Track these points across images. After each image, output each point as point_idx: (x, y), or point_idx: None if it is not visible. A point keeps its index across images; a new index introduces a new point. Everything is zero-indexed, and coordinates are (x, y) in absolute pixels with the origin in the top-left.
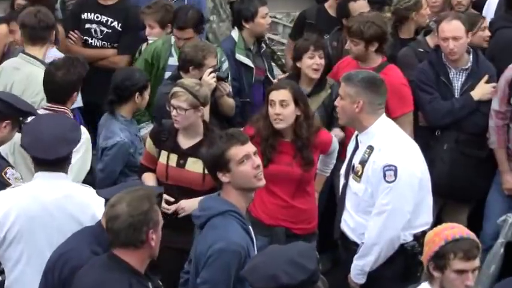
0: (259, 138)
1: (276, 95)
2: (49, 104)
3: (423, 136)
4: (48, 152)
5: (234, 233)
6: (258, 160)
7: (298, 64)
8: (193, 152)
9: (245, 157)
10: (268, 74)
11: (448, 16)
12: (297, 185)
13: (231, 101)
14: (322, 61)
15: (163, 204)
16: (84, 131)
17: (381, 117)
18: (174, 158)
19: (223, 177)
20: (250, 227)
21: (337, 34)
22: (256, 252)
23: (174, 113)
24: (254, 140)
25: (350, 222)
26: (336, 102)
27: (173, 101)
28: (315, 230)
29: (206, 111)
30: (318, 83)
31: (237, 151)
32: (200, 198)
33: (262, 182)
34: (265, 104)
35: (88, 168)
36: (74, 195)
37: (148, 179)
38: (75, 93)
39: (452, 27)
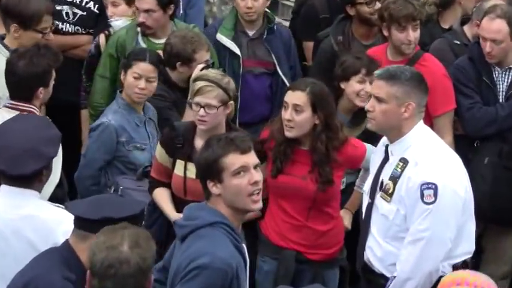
0: (272, 142)
1: (290, 97)
2: (13, 102)
3: (459, 147)
4: (11, 166)
5: (222, 248)
6: (258, 176)
7: (342, 85)
8: None
9: (242, 168)
10: (278, 68)
11: (494, 11)
12: (311, 203)
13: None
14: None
15: None
16: None
17: (419, 122)
18: (192, 168)
19: (214, 188)
20: (244, 245)
21: (342, 25)
22: (247, 275)
23: (202, 112)
24: (267, 144)
25: (377, 251)
26: (369, 106)
27: (199, 99)
28: (336, 256)
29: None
30: (359, 110)
31: (234, 160)
32: None
33: (258, 205)
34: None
35: (57, 180)
36: (36, 217)
37: (162, 196)
38: (41, 88)
39: (494, 28)
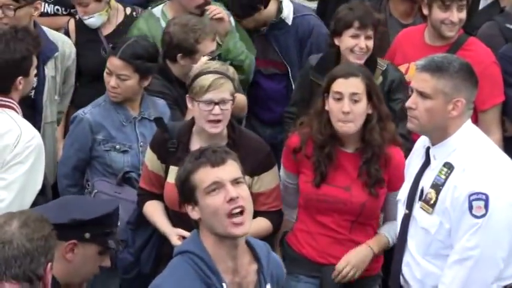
0: (310, 148)
1: (344, 86)
2: None
3: (508, 150)
4: None
5: (172, 282)
6: (235, 191)
7: (336, 41)
8: None
9: (215, 185)
10: (288, 71)
11: None
12: (356, 216)
13: (241, 98)
14: (370, 43)
15: (177, 242)
16: (34, 134)
17: (467, 121)
18: None
19: (193, 213)
20: (224, 284)
21: (378, 2)
22: None
23: (216, 110)
24: (301, 152)
25: (415, 271)
26: (412, 103)
27: (212, 94)
28: (378, 272)
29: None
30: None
31: (203, 176)
32: None
33: (241, 229)
34: (321, 98)
35: (38, 187)
36: None
37: (155, 210)
38: (20, 78)
39: None
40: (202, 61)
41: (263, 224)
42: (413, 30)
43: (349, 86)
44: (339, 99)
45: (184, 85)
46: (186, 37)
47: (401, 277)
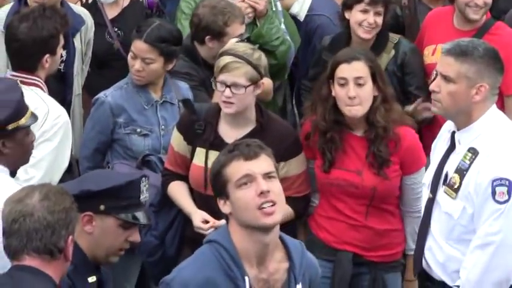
0: (317, 133)
1: (347, 71)
2: (15, 73)
3: None
4: None
5: (193, 268)
6: (266, 185)
7: (346, 14)
8: None
9: (246, 178)
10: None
11: None
12: (369, 201)
13: (267, 82)
14: (379, 20)
15: (199, 224)
16: (61, 111)
17: (492, 107)
18: (215, 157)
19: (224, 207)
20: (246, 278)
21: None
22: None
23: (227, 93)
24: (313, 138)
25: (438, 255)
26: (435, 86)
27: (225, 76)
28: (399, 258)
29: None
30: (376, 41)
31: (236, 168)
32: None
33: (272, 219)
34: (326, 84)
35: (65, 165)
36: None
37: (179, 190)
38: (47, 56)
39: None
40: (231, 44)
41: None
42: (442, 12)
43: (352, 70)
44: (344, 85)
45: (211, 67)
46: (215, 19)
47: (423, 261)
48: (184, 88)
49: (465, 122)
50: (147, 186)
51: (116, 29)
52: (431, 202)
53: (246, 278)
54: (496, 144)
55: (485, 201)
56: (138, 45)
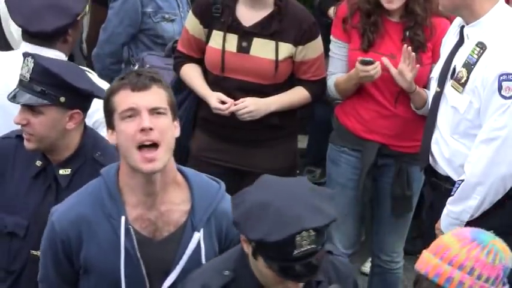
0: (356, 18)
1: None
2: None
3: None
4: (31, 22)
5: (72, 201)
6: (149, 122)
7: None
8: (261, 30)
9: (131, 111)
10: None
11: None
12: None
13: None
14: None
15: (217, 104)
16: None
17: (500, 1)
18: (233, 40)
19: (111, 137)
20: (117, 210)
21: None
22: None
23: None
24: (348, 24)
25: (444, 149)
26: None
27: None
28: None
29: None
30: None
31: (122, 98)
32: (272, 98)
33: (151, 166)
34: None
35: None
36: None
37: (193, 72)
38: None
39: None
40: None
41: (300, 92)
42: None
43: None
44: None
45: None
46: None
47: (430, 157)
48: None
49: (470, 16)
50: None
51: None
52: (438, 95)
53: (123, 218)
54: (504, 39)
55: (491, 96)
56: None
